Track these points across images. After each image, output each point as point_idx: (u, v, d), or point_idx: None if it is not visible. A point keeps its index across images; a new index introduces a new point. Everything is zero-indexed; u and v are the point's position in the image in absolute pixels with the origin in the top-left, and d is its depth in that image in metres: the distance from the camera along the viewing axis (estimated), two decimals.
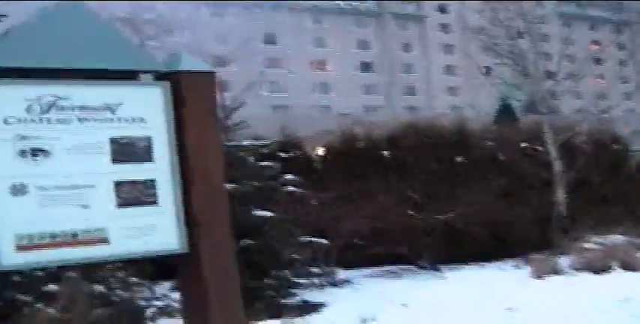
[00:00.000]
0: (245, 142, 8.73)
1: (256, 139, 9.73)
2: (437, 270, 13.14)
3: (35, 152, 3.69)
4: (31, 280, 5.31)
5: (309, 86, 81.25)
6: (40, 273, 5.44)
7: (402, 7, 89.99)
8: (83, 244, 3.79)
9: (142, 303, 7.06)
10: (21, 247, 3.61)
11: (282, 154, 11.21)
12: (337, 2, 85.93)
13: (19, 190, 3.63)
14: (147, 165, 4.03)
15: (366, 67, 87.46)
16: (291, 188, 8.79)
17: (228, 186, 7.66)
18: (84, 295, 5.72)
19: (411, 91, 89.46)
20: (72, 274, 5.74)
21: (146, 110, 4.04)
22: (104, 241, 3.86)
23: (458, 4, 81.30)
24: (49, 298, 5.44)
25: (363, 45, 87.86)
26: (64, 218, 3.75)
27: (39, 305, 5.51)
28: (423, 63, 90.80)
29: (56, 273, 5.41)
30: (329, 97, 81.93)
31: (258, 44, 75.72)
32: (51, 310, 5.63)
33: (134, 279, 6.71)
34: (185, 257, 4.13)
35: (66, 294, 5.50)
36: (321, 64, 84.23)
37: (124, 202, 3.95)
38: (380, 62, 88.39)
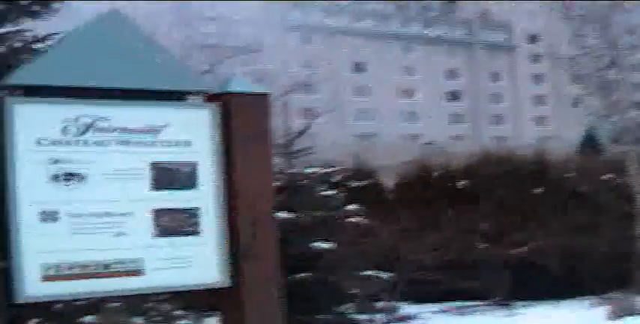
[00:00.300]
0: (309, 170, 8.42)
1: (326, 166, 9.43)
2: (508, 306, 12.53)
3: (69, 177, 3.45)
4: (68, 309, 5.11)
5: (396, 115, 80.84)
6: (79, 302, 5.24)
7: (492, 37, 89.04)
8: (115, 275, 3.52)
9: None
10: (47, 277, 3.36)
11: (352, 183, 10.86)
12: (427, 31, 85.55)
13: (49, 216, 3.39)
14: (190, 192, 3.75)
15: (453, 96, 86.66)
16: (356, 219, 8.42)
17: (286, 215, 7.38)
18: None
19: (498, 120, 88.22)
20: (114, 304, 5.51)
21: (192, 133, 3.77)
22: (138, 272, 3.58)
23: (549, 33, 79.92)
24: None
25: (452, 74, 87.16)
26: (96, 247, 3.49)
27: None
28: (511, 92, 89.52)
29: (96, 303, 5.19)
30: (416, 126, 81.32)
31: (344, 72, 75.81)
32: None
33: (179, 312, 6.42)
34: (226, 291, 3.83)
35: None
36: (408, 93, 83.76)
37: (163, 232, 3.67)
38: (468, 91, 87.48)
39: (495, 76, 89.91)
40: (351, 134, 66.26)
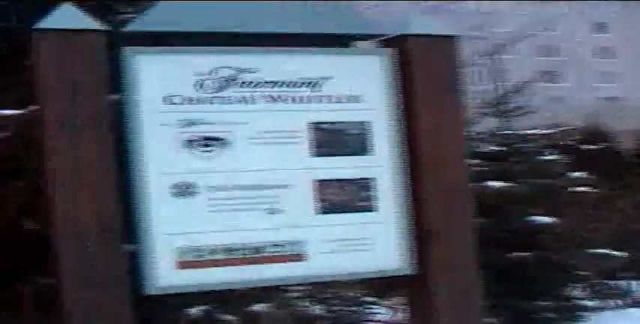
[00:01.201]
0: (529, 131, 7.27)
1: (552, 127, 8.23)
2: None
3: (207, 142, 2.77)
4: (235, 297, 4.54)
5: None
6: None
7: None
8: (269, 260, 2.82)
9: None
10: (184, 264, 2.72)
11: (583, 147, 9.51)
12: None
13: (184, 190, 2.74)
14: (361, 159, 2.98)
15: None
16: (583, 188, 7.20)
17: (500, 184, 6.38)
18: (293, 318, 4.80)
19: None
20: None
21: (361, 86, 2.99)
22: (298, 257, 2.86)
23: None
24: (252, 320, 4.62)
25: None
26: (244, 227, 2.80)
27: None
28: None
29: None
30: None
31: (584, 32, 71.57)
32: None
33: (368, 298, 5.59)
34: (410, 279, 3.04)
35: (270, 316, 4.64)
36: None
37: (329, 208, 2.92)
38: None
39: None
40: (593, 97, 62.52)
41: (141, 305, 2.69)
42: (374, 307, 5.99)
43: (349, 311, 5.51)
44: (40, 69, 2.57)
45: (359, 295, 5.61)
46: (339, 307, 5.41)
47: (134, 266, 2.65)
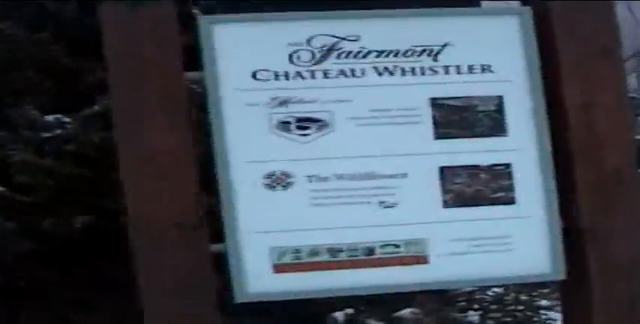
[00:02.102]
0: None
1: None
2: None
3: (304, 124, 2.31)
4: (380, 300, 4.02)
5: None
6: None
7: None
8: (383, 264, 2.31)
9: None
10: (278, 268, 2.26)
11: None
12: None
13: (278, 181, 2.28)
14: (495, 141, 2.41)
15: None
16: None
17: None
18: None
19: None
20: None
21: (492, 54, 2.42)
22: (419, 260, 2.33)
23: None
24: None
25: None
26: (352, 225, 2.31)
27: None
28: None
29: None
30: None
31: None
32: None
33: (544, 302, 4.80)
34: (563, 285, 2.44)
35: (419, 322, 4.07)
36: None
37: (456, 200, 2.37)
38: None
39: None
40: None
41: (231, 314, 2.25)
42: (549, 313, 5.22)
43: (517, 317, 4.80)
44: (105, 45, 2.20)
45: (531, 296, 4.88)
46: (502, 313, 4.71)
47: (223, 270, 2.22)
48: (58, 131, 4.23)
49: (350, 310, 4.35)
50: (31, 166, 4.00)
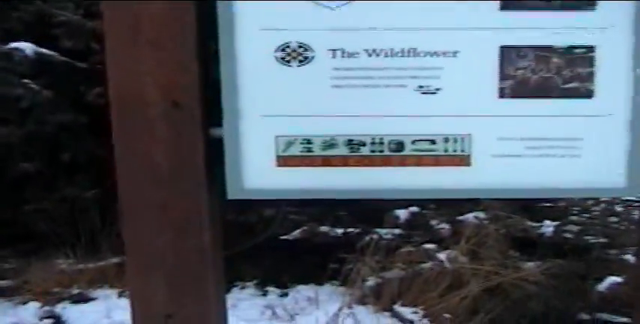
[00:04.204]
0: None
1: None
2: None
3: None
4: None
5: None
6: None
7: None
8: (412, 163, 1.81)
9: None
10: (285, 160, 1.80)
11: None
12: None
13: (293, 54, 1.78)
14: (578, 16, 1.80)
15: None
16: None
17: None
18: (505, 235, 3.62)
19: None
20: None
21: None
22: (460, 160, 1.81)
23: None
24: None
25: None
26: (381, 112, 1.79)
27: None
28: None
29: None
30: None
31: None
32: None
33: None
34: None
35: (476, 226, 3.54)
36: None
37: (516, 90, 1.81)
38: None
39: None
40: None
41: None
42: None
43: (606, 231, 4.16)
44: None
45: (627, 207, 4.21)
46: (583, 227, 4.09)
47: (216, 159, 1.78)
48: None
49: (414, 209, 3.91)
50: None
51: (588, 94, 1.81)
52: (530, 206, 4.36)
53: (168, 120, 1.74)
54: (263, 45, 1.76)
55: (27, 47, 3.91)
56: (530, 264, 4.10)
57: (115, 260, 4.44)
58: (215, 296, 1.82)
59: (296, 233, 4.85)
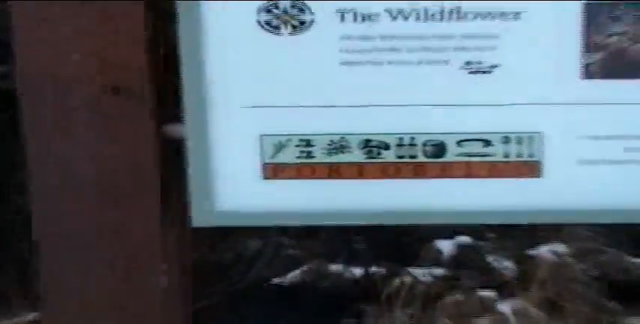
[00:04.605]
0: None
1: None
2: None
3: None
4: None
5: None
6: None
7: None
8: (458, 174, 1.83)
9: None
10: (274, 170, 1.82)
11: None
12: None
13: (284, 18, 1.80)
14: None
15: None
16: None
17: None
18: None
19: None
20: None
21: None
22: (527, 168, 1.84)
23: None
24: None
25: None
26: (410, 101, 1.83)
27: None
28: None
29: None
30: None
31: None
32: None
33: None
34: None
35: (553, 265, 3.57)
36: None
37: (607, 67, 1.83)
38: None
39: None
40: None
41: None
42: None
43: None
44: None
45: None
46: None
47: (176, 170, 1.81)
48: None
49: (463, 239, 3.96)
50: None
51: None
52: (635, 235, 4.38)
53: (101, 112, 1.75)
54: (240, 4, 1.78)
55: None
56: (636, 320, 4.13)
57: (30, 317, 4.49)
58: None
59: (294, 275, 4.89)
